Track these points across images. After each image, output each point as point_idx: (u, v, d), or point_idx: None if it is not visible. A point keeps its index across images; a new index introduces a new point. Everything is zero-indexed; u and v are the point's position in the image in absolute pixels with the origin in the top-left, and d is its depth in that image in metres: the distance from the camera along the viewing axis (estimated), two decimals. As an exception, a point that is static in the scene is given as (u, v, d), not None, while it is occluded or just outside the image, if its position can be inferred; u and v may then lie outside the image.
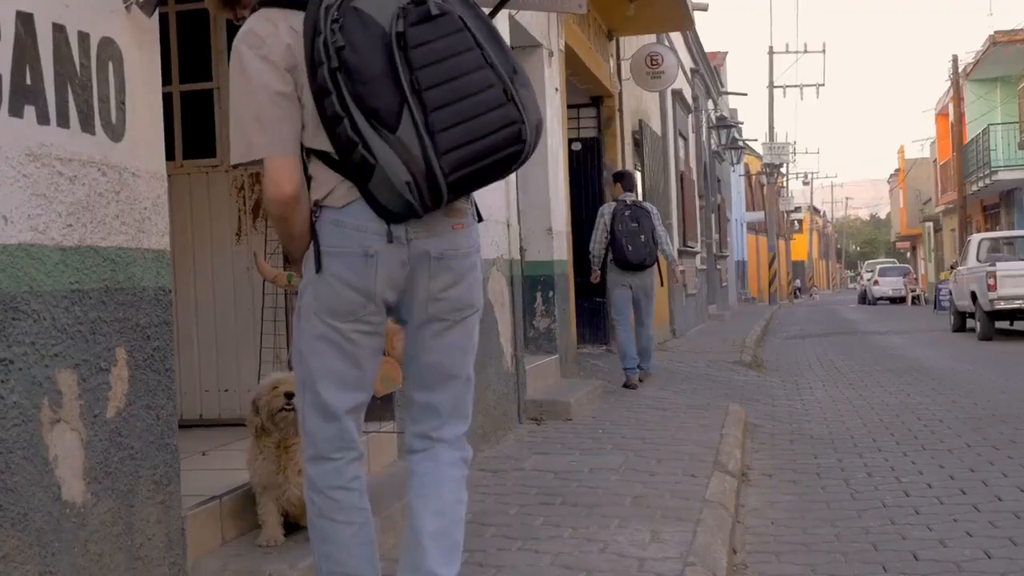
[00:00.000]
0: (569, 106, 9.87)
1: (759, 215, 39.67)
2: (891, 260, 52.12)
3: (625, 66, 12.65)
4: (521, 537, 3.95)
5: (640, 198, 10.69)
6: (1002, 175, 26.70)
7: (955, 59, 31.02)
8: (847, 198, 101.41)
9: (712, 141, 25.09)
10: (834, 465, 5.82)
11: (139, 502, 2.84)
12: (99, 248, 2.72)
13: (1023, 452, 5.93)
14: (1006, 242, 18.65)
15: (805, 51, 38.74)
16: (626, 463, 5.38)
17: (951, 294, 18.77)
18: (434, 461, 2.62)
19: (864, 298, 40.56)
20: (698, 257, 19.78)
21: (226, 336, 5.02)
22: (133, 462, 2.82)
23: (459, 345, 2.64)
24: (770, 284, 35.29)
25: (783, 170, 45.44)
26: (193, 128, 5.04)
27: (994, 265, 15.71)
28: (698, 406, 7.70)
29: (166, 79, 4.00)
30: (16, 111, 2.45)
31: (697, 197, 20.01)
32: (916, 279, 41.32)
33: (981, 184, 28.29)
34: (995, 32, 26.88)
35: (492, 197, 6.07)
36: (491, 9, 4.32)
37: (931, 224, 43.78)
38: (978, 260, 16.81)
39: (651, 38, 13.60)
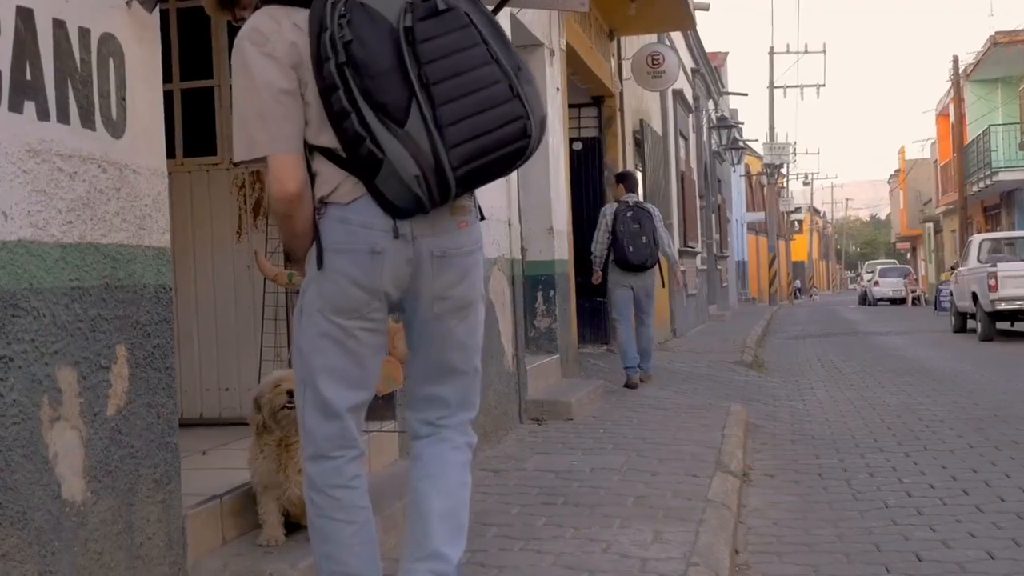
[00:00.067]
0: (570, 105, 9.86)
1: (759, 215, 39.65)
2: (891, 261, 52.10)
3: (626, 66, 12.64)
4: (523, 537, 3.93)
5: (641, 199, 10.68)
6: (1003, 176, 26.67)
7: (956, 60, 30.99)
8: (847, 199, 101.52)
9: (713, 141, 25.08)
10: (836, 465, 5.80)
11: (139, 501, 2.83)
12: (99, 245, 2.71)
13: (1025, 453, 5.92)
14: (1007, 243, 18.63)
15: (806, 51, 38.72)
16: (628, 463, 5.36)
17: (952, 295, 18.76)
18: (440, 445, 2.65)
19: (864, 299, 40.55)
20: (698, 257, 19.77)
21: (227, 335, 5.01)
22: (133, 460, 2.81)
23: (466, 341, 2.65)
24: (770, 285, 35.27)
25: (783, 171, 45.44)
26: (194, 126, 5.03)
27: (995, 266, 15.71)
28: (699, 406, 7.69)
29: (166, 77, 3.98)
30: (16, 107, 2.43)
31: (698, 197, 20.00)
32: (916, 280, 41.31)
33: (982, 185, 28.27)
34: (996, 33, 26.85)
35: (493, 196, 6.05)
36: (493, 6, 4.31)
37: (931, 225, 43.77)
38: (979, 261, 16.80)
39: (652, 38, 13.59)
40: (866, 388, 9.80)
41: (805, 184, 70.63)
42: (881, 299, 38.52)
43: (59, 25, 2.58)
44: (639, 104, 13.76)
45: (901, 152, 51.93)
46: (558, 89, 8.44)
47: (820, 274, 77.89)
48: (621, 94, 12.17)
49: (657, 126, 15.34)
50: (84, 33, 2.67)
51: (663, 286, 9.58)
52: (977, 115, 30.20)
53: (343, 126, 2.36)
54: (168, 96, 4.69)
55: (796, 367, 12.51)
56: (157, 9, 3.00)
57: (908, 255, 60.29)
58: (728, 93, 30.10)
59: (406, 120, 2.33)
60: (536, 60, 7.91)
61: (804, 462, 5.95)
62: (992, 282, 15.35)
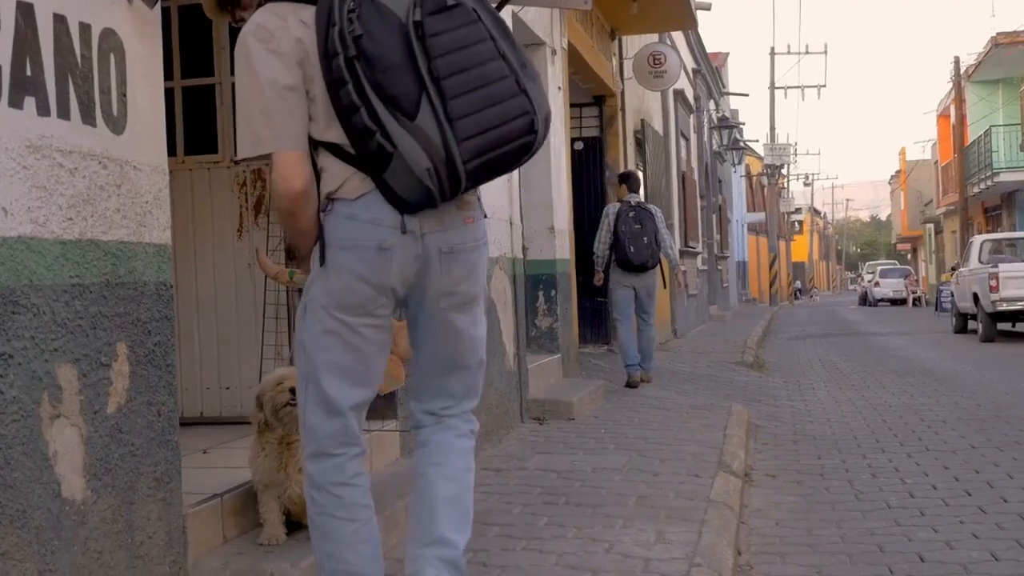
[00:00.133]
0: (571, 105, 9.84)
1: (760, 216, 39.64)
2: (892, 262, 52.08)
3: (627, 65, 12.63)
4: (525, 537, 3.92)
5: (643, 199, 10.67)
6: (1004, 177, 26.66)
7: (957, 60, 30.97)
8: (848, 199, 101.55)
9: (713, 141, 25.07)
10: (838, 466, 5.78)
11: (140, 499, 2.81)
12: (100, 242, 2.69)
13: (1028, 453, 5.90)
14: (1008, 244, 18.61)
15: (807, 52, 38.67)
16: (629, 463, 5.35)
17: (953, 296, 18.74)
18: (445, 432, 2.68)
19: (865, 299, 40.53)
20: (699, 258, 19.76)
21: (227, 333, 4.99)
22: (134, 459, 2.79)
23: (472, 334, 2.67)
24: (771, 285, 35.27)
25: (784, 171, 45.42)
26: (195, 124, 5.01)
27: (997, 266, 15.70)
28: (700, 406, 7.67)
29: (167, 75, 3.97)
30: (16, 102, 2.42)
31: (699, 197, 19.99)
32: (917, 281, 41.29)
33: (982, 186, 28.26)
34: (997, 34, 26.86)
35: (495, 195, 6.04)
36: (496, 4, 4.30)
37: (932, 226, 43.76)
38: (980, 262, 16.79)
39: (653, 37, 13.57)
40: (867, 388, 9.79)
41: (806, 185, 70.68)
42: (881, 300, 38.50)
43: (60, 20, 2.57)
44: (640, 104, 13.75)
45: (902, 153, 51.94)
46: (559, 88, 8.42)
47: (820, 275, 77.91)
48: (622, 94, 12.15)
49: (658, 126, 15.32)
50: (85, 28, 2.66)
51: (664, 287, 9.57)
52: (978, 116, 30.19)
53: (352, 120, 2.36)
54: (169, 94, 4.67)
55: (797, 367, 12.50)
56: (159, 5, 2.99)
57: (909, 256, 60.29)
58: (729, 93, 30.08)
59: (417, 113, 2.34)
60: (538, 59, 7.90)
61: (806, 462, 5.93)
62: (993, 283, 15.34)
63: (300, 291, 2.63)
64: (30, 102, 2.46)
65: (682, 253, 15.03)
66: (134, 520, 2.78)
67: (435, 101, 2.34)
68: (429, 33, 2.35)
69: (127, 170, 2.81)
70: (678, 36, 16.71)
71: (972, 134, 30.10)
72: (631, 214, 8.66)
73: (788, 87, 53.20)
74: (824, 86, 40.50)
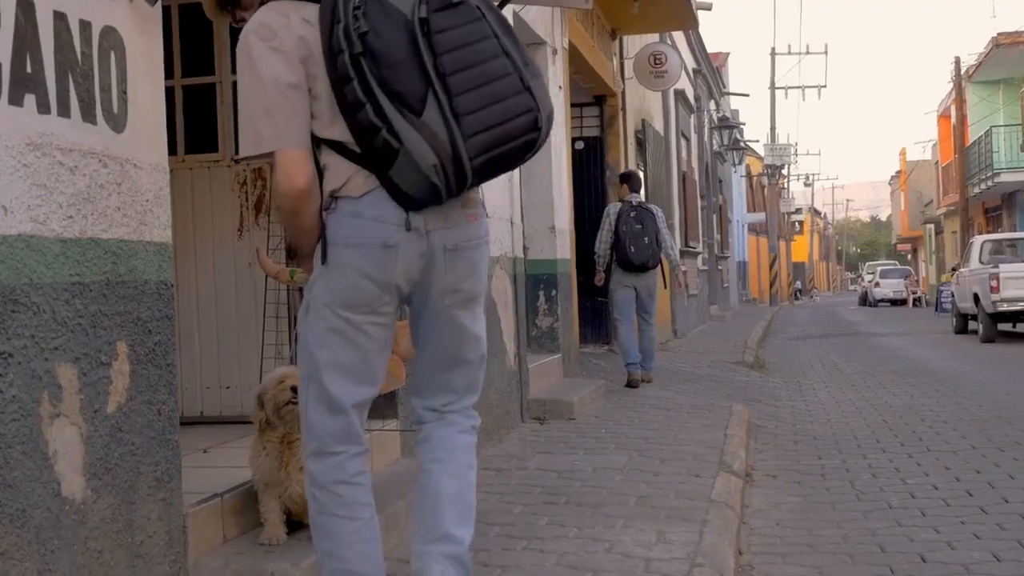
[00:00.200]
0: (572, 105, 9.84)
1: (760, 216, 39.64)
2: (892, 262, 52.09)
3: (628, 65, 12.62)
4: (526, 537, 3.91)
5: (644, 199, 10.67)
6: (1004, 177, 26.65)
7: (957, 61, 30.96)
8: (848, 200, 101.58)
9: (714, 142, 25.06)
10: (839, 466, 5.78)
11: (140, 499, 2.80)
12: (100, 240, 2.68)
13: (1029, 454, 5.89)
14: (1009, 244, 18.61)
15: (807, 52, 38.68)
16: (630, 463, 5.34)
17: (953, 296, 18.73)
18: (447, 428, 2.68)
19: (865, 300, 40.52)
20: (700, 258, 19.75)
21: (228, 332, 4.98)
22: (134, 458, 2.78)
23: (475, 331, 2.68)
24: (771, 285, 35.26)
25: (784, 171, 45.41)
26: (195, 123, 5.00)
27: (998, 267, 15.69)
28: (701, 406, 7.67)
29: (168, 73, 3.96)
30: (16, 100, 2.41)
31: (699, 197, 19.99)
32: (917, 281, 41.28)
33: (983, 186, 28.25)
34: (998, 34, 26.83)
35: (496, 195, 6.03)
36: (497, 3, 4.29)
37: (932, 226, 43.74)
38: (981, 262, 16.78)
39: (654, 37, 13.56)
40: (868, 389, 9.78)
41: (806, 185, 70.66)
42: (882, 300, 38.50)
43: (60, 17, 2.56)
44: (641, 104, 13.74)
45: (902, 153, 51.92)
46: (560, 88, 8.41)
47: (820, 275, 77.88)
48: (623, 93, 12.15)
49: (659, 126, 15.32)
50: (85, 26, 2.65)
51: (665, 287, 9.56)
52: (979, 116, 30.17)
53: (357, 117, 2.36)
54: (170, 92, 4.66)
55: (797, 368, 12.49)
56: (159, 2, 2.98)
57: (909, 256, 60.28)
58: (729, 93, 30.07)
59: (423, 110, 2.34)
60: (539, 58, 7.89)
61: (807, 462, 5.92)
62: (994, 283, 15.33)
63: (301, 290, 2.63)
64: (30, 100, 2.45)
65: (682, 253, 15.02)
66: (134, 519, 2.77)
67: (441, 97, 2.34)
68: (434, 30, 2.35)
69: (127, 168, 2.80)
70: (679, 36, 16.70)
71: (973, 134, 30.09)
72: (632, 214, 8.65)
73: (788, 87, 53.27)
74: (824, 86, 40.54)
